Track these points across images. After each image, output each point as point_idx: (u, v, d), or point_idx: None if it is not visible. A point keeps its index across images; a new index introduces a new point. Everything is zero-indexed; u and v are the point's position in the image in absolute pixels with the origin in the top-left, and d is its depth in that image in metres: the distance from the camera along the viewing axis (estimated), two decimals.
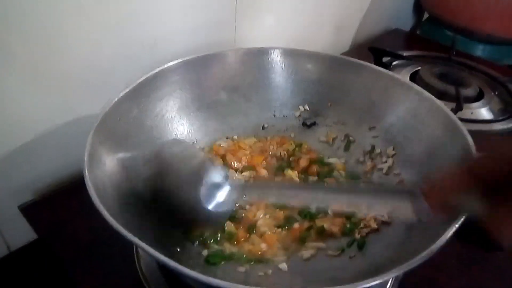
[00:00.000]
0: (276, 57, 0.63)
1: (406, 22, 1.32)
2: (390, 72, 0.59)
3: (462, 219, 0.37)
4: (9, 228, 0.61)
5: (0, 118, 0.54)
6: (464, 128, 0.47)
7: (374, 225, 0.49)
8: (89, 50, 0.58)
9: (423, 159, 0.52)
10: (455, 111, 0.77)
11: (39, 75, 0.55)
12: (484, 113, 0.84)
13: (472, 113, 0.83)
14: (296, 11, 0.88)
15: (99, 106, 0.48)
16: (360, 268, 0.44)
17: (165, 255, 0.34)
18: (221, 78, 0.62)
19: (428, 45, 1.11)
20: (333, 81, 0.62)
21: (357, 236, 0.49)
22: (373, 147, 0.58)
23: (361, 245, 0.47)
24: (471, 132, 0.47)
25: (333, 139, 0.63)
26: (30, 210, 0.58)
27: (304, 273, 0.46)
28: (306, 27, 0.94)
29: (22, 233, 0.60)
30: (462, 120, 0.49)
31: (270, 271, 0.46)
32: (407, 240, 0.44)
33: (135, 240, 0.35)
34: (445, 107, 0.51)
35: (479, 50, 1.13)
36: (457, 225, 0.36)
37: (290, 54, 0.63)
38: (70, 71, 0.57)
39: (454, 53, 1.02)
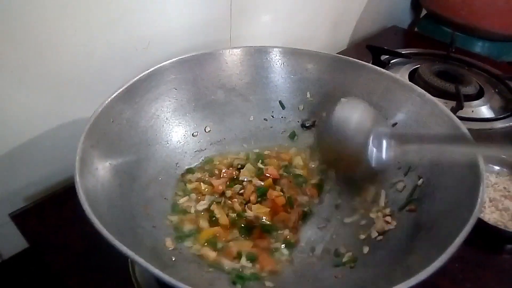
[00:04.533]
0: (275, 57, 0.61)
1: (403, 19, 1.31)
2: (391, 74, 0.57)
3: (468, 229, 0.36)
4: (0, 236, 0.59)
5: None
6: (468, 134, 0.46)
7: (375, 235, 0.48)
8: (80, 52, 0.56)
9: (425, 163, 0.50)
10: (455, 110, 0.76)
11: (28, 78, 0.52)
12: (485, 111, 0.83)
13: (472, 111, 0.82)
14: (293, 9, 0.86)
15: (91, 110, 0.46)
16: (362, 278, 0.42)
17: (160, 265, 0.33)
18: (217, 77, 0.60)
19: (426, 42, 1.09)
20: (333, 81, 0.60)
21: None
22: None
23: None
24: (472, 131, 0.46)
25: None
26: (21, 218, 0.56)
27: (302, 281, 0.44)
28: (303, 25, 0.92)
29: (14, 241, 0.58)
30: (462, 119, 0.49)
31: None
32: (410, 248, 0.42)
33: (130, 253, 0.33)
34: (449, 111, 0.50)
35: (478, 47, 1.11)
36: (465, 234, 0.35)
37: (290, 53, 0.61)
38: (61, 73, 0.55)
39: (453, 50, 1.00)
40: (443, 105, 0.51)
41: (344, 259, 0.46)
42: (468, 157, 0.44)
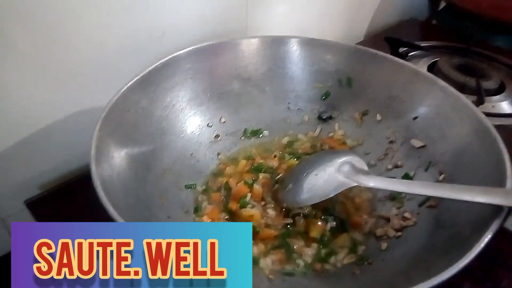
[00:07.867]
0: (293, 47, 0.60)
1: (421, 11, 1.28)
2: (413, 66, 0.56)
3: (495, 228, 0.35)
4: None
5: (3, 111, 0.51)
6: (493, 127, 0.45)
7: (393, 233, 0.46)
8: (95, 41, 0.55)
9: (447, 159, 0.49)
10: (476, 104, 0.73)
11: (42, 67, 0.52)
12: (506, 106, 0.81)
13: (493, 106, 0.79)
14: None
15: (106, 99, 0.45)
16: (380, 275, 0.41)
17: None
18: (233, 67, 0.60)
19: (445, 35, 1.07)
20: (352, 73, 0.59)
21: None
22: (390, 147, 0.56)
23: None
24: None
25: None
26: (35, 205, 0.56)
27: (320, 279, 0.44)
28: (319, 16, 0.90)
29: None
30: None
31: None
32: (431, 246, 0.41)
33: None
34: (472, 104, 0.48)
35: (499, 40, 1.08)
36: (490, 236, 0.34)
37: (308, 43, 0.60)
38: (75, 62, 0.54)
39: (473, 43, 0.98)
40: (466, 99, 0.49)
41: (359, 252, 0.46)
42: (492, 154, 0.42)
